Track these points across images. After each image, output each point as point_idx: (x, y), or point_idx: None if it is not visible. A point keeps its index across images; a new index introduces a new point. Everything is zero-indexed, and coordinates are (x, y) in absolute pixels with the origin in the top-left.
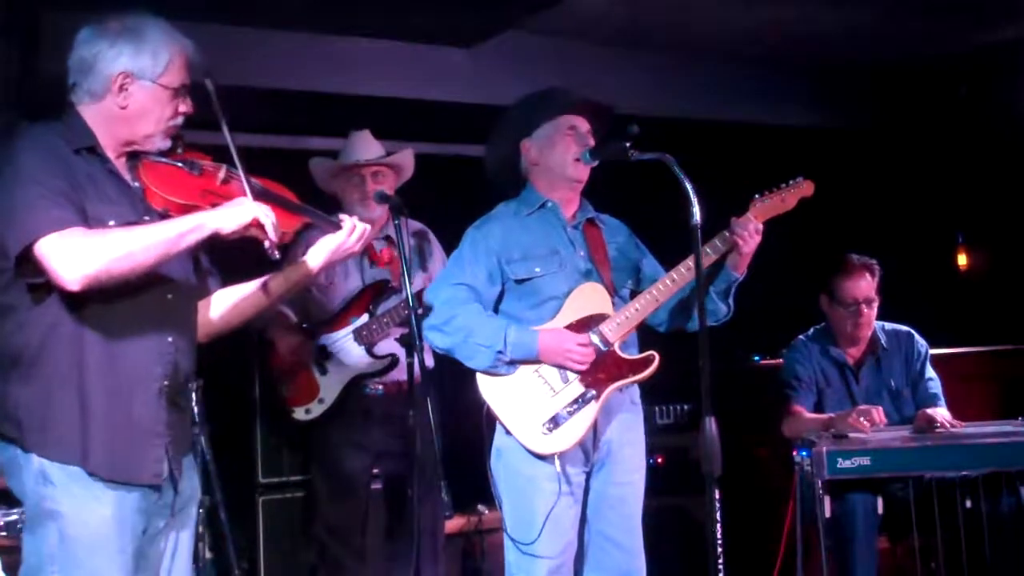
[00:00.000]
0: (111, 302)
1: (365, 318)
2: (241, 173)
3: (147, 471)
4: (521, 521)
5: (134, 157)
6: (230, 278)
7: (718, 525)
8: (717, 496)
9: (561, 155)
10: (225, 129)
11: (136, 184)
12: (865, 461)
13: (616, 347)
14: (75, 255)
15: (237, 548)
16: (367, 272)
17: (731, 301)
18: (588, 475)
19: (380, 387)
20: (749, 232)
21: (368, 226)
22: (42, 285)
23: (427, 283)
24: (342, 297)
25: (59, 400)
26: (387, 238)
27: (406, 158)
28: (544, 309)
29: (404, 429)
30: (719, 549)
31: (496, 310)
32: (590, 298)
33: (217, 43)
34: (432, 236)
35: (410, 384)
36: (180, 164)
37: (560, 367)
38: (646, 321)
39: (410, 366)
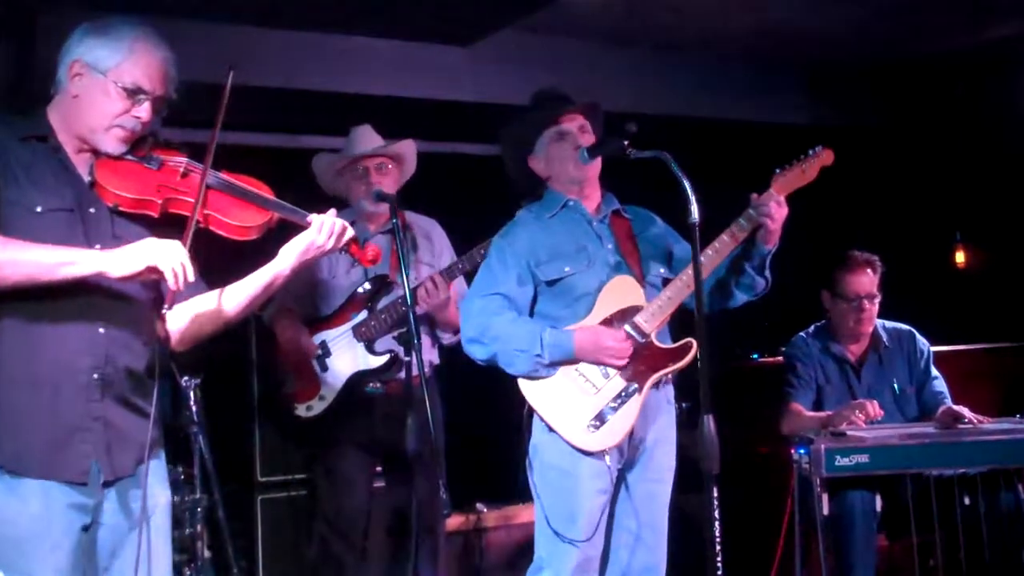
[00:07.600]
0: (29, 288)
1: (364, 314)
2: (204, 167)
3: (69, 468)
4: (560, 515)
5: (96, 155)
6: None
7: (717, 523)
8: (716, 494)
9: (560, 163)
10: (216, 129)
11: (89, 178)
12: (863, 459)
13: (653, 337)
14: None
15: (235, 546)
16: (369, 267)
17: (768, 273)
18: (620, 470)
19: (381, 385)
20: (774, 208)
21: (343, 222)
22: None
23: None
24: (343, 292)
25: None
26: (390, 231)
27: (407, 148)
28: (578, 307)
29: (406, 427)
30: (718, 547)
31: (532, 313)
32: (622, 291)
33: (217, 42)
34: (436, 231)
35: (408, 382)
36: (137, 159)
37: (599, 364)
38: (684, 305)
39: (408, 365)
